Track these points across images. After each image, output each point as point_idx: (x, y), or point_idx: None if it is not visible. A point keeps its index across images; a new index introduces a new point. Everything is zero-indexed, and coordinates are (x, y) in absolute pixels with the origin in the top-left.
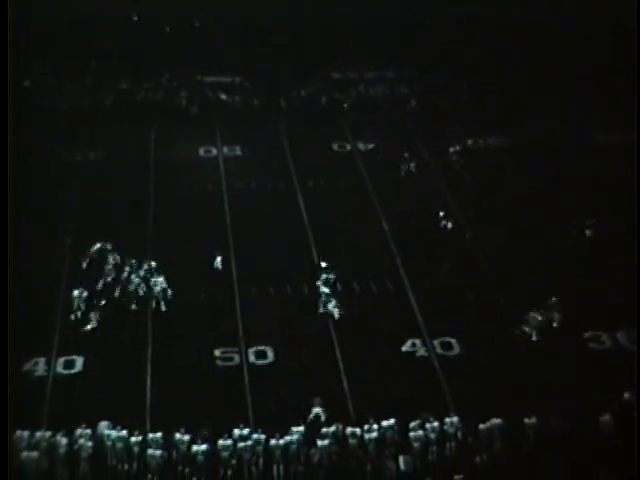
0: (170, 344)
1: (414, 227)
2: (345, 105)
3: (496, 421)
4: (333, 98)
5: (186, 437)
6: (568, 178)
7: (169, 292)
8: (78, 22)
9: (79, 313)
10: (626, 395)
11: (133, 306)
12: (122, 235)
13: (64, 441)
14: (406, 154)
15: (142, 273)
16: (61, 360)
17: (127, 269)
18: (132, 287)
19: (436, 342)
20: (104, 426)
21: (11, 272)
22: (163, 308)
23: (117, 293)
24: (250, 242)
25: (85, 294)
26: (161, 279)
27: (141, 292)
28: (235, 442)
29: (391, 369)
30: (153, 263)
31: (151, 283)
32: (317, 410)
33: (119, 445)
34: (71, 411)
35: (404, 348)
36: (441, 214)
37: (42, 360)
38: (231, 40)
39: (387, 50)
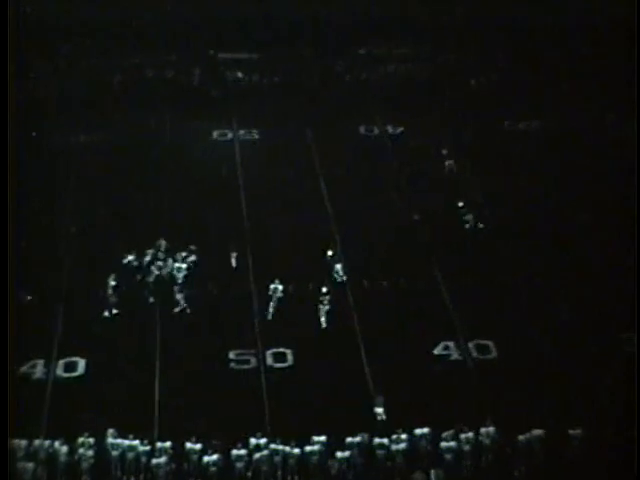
0: (181, 344)
1: (447, 220)
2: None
3: (537, 432)
4: (360, 76)
5: (197, 446)
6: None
7: (180, 288)
8: None
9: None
10: None
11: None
12: (131, 226)
13: (64, 450)
14: (444, 150)
15: (154, 267)
16: (61, 362)
17: (138, 261)
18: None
19: (471, 345)
20: (109, 434)
21: (12, 261)
22: (180, 303)
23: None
24: (268, 235)
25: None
26: (171, 270)
27: (149, 289)
28: (251, 452)
29: (422, 374)
30: (164, 259)
31: (163, 274)
32: (379, 410)
33: (125, 455)
34: (72, 418)
35: (436, 351)
36: (470, 210)
37: (41, 362)
38: (248, 13)
39: (420, 25)
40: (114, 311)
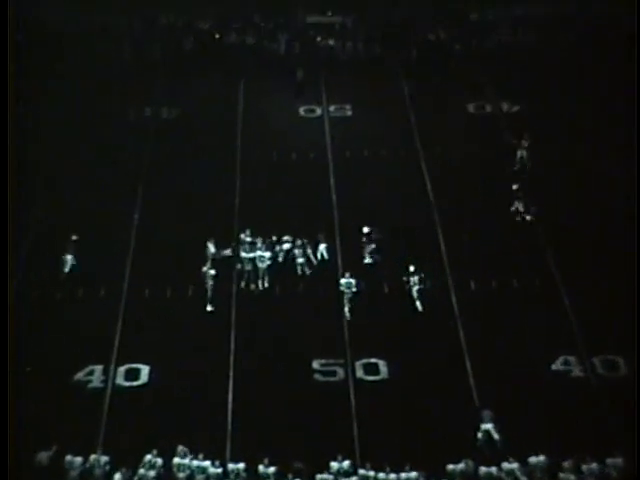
0: (258, 352)
1: (570, 213)
2: None
3: None
4: (470, 45)
5: (271, 469)
6: None
7: (260, 284)
8: None
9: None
10: None
11: (209, 307)
12: (202, 214)
13: (122, 470)
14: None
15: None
16: (122, 369)
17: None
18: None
19: (596, 360)
20: (179, 452)
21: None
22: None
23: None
24: (361, 225)
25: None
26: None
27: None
28: (336, 478)
29: (537, 392)
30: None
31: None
32: (487, 427)
33: (193, 477)
34: (133, 432)
35: (555, 366)
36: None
37: (99, 368)
38: None
39: None
40: (209, 308)
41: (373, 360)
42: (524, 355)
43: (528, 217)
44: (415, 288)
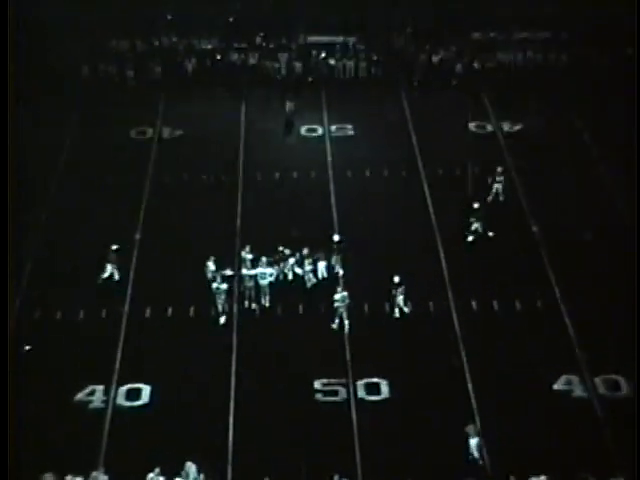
0: (258, 370)
1: (572, 231)
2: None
3: None
4: (471, 64)
5: None
6: None
7: (263, 303)
8: None
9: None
10: None
11: (222, 319)
12: (204, 231)
13: None
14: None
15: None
16: (123, 389)
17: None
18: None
19: (598, 380)
20: (187, 468)
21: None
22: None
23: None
24: (363, 247)
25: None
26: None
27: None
28: None
29: (538, 413)
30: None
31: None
32: (474, 442)
33: None
34: (134, 451)
35: (556, 386)
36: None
37: (100, 388)
38: None
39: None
40: (221, 320)
41: (375, 380)
42: (525, 374)
43: (490, 233)
44: (399, 297)
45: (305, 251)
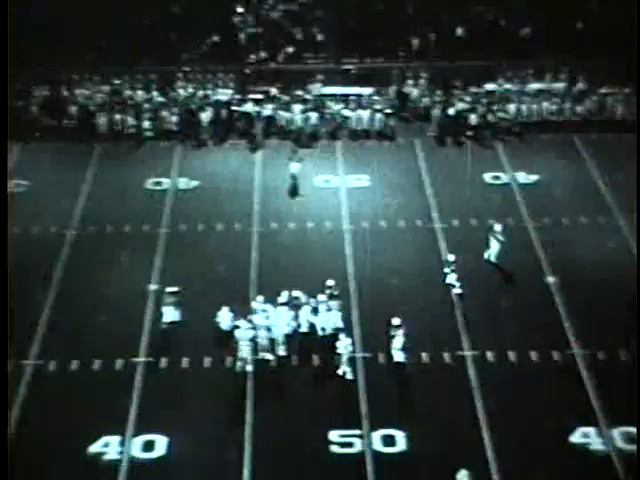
0: (275, 422)
1: (585, 281)
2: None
3: None
4: (486, 116)
5: None
6: None
7: (275, 353)
8: None
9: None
10: None
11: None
12: (217, 280)
13: None
14: None
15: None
16: (138, 440)
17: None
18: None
19: (616, 432)
20: None
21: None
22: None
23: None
24: (380, 302)
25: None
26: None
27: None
28: None
29: (555, 465)
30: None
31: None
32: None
33: None
34: None
35: (573, 439)
36: None
37: (115, 440)
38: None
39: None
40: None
41: (391, 431)
42: (542, 426)
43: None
44: (397, 340)
45: (321, 297)
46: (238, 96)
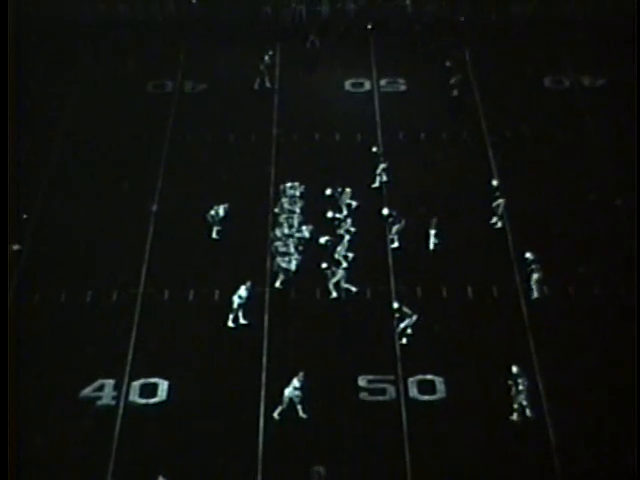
0: (296, 364)
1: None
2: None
3: None
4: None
5: None
6: None
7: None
8: None
9: None
10: None
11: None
12: (232, 196)
13: None
14: None
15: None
16: (136, 384)
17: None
18: None
19: None
20: None
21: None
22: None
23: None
24: (416, 222)
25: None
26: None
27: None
28: None
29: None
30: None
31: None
32: None
33: None
34: (151, 455)
35: None
36: None
37: (110, 383)
38: None
39: None
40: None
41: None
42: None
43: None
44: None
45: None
46: None
